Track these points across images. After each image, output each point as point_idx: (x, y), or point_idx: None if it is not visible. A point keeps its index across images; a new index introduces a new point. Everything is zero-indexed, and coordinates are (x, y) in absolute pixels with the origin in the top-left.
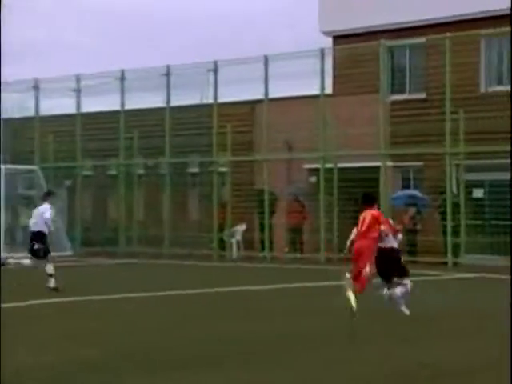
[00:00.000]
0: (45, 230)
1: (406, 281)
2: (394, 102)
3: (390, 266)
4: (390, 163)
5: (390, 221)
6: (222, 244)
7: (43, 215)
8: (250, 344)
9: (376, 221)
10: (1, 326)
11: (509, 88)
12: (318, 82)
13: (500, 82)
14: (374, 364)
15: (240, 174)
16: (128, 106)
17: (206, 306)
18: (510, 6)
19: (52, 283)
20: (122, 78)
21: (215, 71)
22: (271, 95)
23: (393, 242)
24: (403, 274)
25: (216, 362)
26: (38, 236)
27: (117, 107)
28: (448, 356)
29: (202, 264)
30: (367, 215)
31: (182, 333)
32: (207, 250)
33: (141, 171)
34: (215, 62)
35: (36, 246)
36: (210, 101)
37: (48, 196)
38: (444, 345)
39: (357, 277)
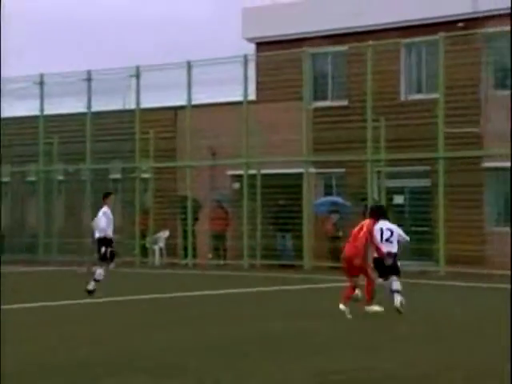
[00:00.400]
0: None
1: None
2: (316, 109)
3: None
4: (312, 170)
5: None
6: (145, 251)
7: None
8: (183, 352)
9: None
10: None
11: (428, 96)
12: (242, 88)
13: (419, 91)
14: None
15: (163, 181)
16: (48, 111)
17: (130, 314)
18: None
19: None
20: (42, 83)
21: (137, 76)
22: (194, 101)
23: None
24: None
25: (149, 372)
26: None
27: (36, 112)
28: (400, 362)
29: (125, 271)
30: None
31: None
32: (130, 257)
33: (61, 177)
34: (137, 67)
35: None
36: (133, 106)
37: None
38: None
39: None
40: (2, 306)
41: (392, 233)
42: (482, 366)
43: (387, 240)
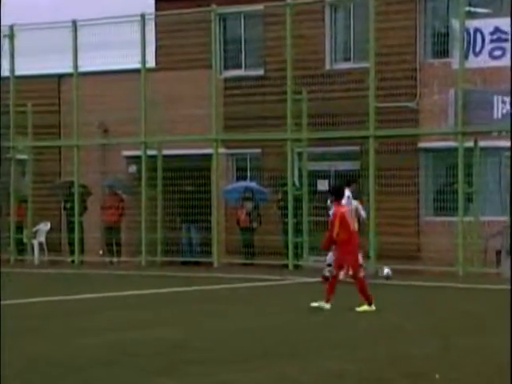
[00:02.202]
0: None
1: None
2: (227, 79)
3: None
4: (223, 150)
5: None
6: (22, 246)
7: None
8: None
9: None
10: None
11: (357, 65)
12: (139, 53)
13: (347, 58)
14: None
15: (44, 163)
16: None
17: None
18: None
19: None
20: None
21: (11, 37)
22: (82, 68)
23: None
24: None
25: None
26: None
27: None
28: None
29: None
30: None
31: None
32: (3, 254)
33: None
34: (11, 27)
35: None
36: (6, 74)
37: None
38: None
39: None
40: None
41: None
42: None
43: None
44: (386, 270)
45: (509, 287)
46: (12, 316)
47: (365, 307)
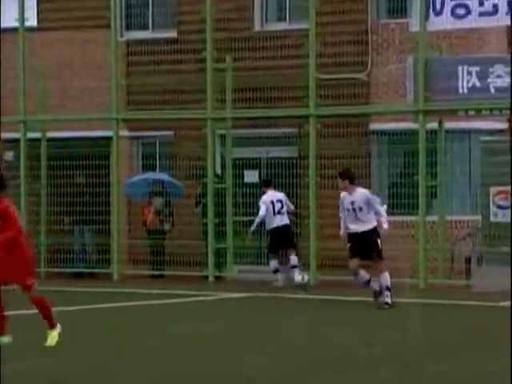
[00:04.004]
0: None
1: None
2: (130, 43)
3: None
4: (125, 133)
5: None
6: None
7: None
8: None
9: None
10: None
11: (295, 26)
12: (16, 8)
13: (281, 18)
14: None
15: None
16: None
17: None
18: None
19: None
20: None
21: None
22: None
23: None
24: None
25: None
26: None
27: None
28: None
29: None
30: None
31: None
32: None
33: None
34: None
35: None
36: None
37: None
38: None
39: None
40: None
41: (282, 203)
42: None
43: (279, 212)
44: (300, 277)
45: (482, 303)
46: None
47: (54, 334)
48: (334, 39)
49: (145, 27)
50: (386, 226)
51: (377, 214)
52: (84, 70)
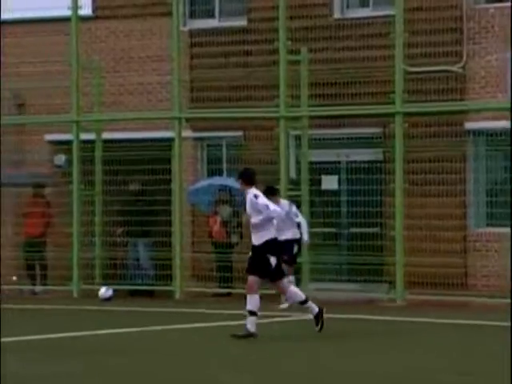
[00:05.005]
0: None
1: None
2: (194, 33)
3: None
4: (188, 133)
5: None
6: None
7: None
8: None
9: None
10: None
11: (379, 12)
12: None
13: (364, 3)
14: None
15: None
16: None
17: None
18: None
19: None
20: None
21: None
22: None
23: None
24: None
25: None
26: None
27: None
28: None
29: None
30: None
31: None
32: None
33: None
34: None
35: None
36: None
37: None
38: None
39: None
40: None
41: None
42: None
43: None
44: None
45: None
46: None
47: None
48: (423, 27)
49: (211, 15)
50: None
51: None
52: (143, 63)
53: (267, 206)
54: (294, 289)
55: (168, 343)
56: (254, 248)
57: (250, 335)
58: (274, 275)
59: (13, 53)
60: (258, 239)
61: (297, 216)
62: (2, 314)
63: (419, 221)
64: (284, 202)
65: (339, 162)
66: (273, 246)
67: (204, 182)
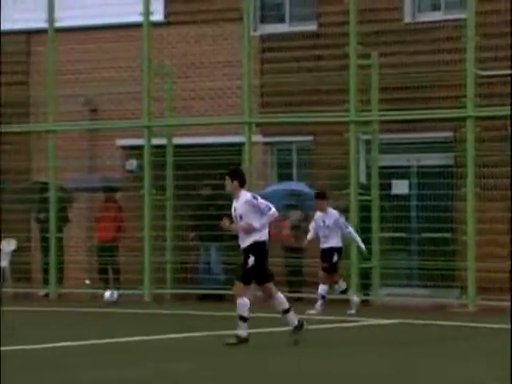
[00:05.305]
0: None
1: None
2: (265, 38)
3: None
4: (258, 138)
5: None
6: None
7: None
8: None
9: None
10: None
11: (450, 16)
12: (141, 1)
13: (435, 7)
14: None
15: (6, 156)
16: None
17: None
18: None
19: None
20: None
21: None
22: (60, 22)
23: None
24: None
25: None
26: None
27: None
28: None
29: None
30: None
31: None
32: None
33: None
34: None
35: None
36: None
37: None
38: None
39: None
40: None
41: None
42: None
43: None
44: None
45: None
46: None
47: None
48: (495, 30)
49: (281, 20)
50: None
51: None
52: (214, 68)
53: (269, 207)
54: (281, 296)
55: (236, 348)
56: (243, 251)
57: (243, 341)
58: (262, 278)
59: (85, 59)
60: (246, 242)
61: (346, 227)
62: (76, 317)
63: (490, 225)
64: (332, 211)
65: (410, 167)
66: (259, 247)
67: (274, 187)
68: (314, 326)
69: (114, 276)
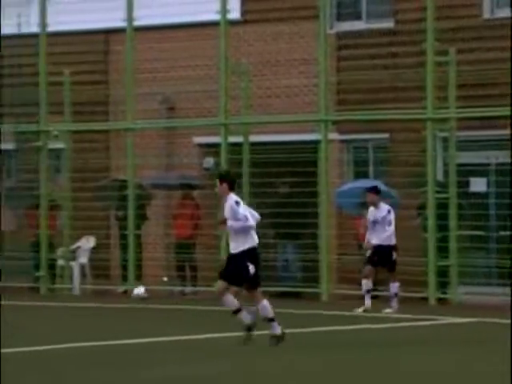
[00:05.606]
0: None
1: None
2: (341, 35)
3: None
4: (335, 136)
5: None
6: (54, 270)
7: None
8: None
9: None
10: None
11: None
12: (218, 0)
13: None
14: None
15: (86, 154)
16: None
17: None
18: None
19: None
20: None
21: None
22: (139, 21)
23: None
24: None
25: None
26: None
27: None
28: None
29: (20, 304)
30: None
31: None
32: (28, 281)
33: None
34: None
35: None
36: (35, 29)
37: None
38: None
39: None
40: None
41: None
42: None
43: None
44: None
45: None
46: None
47: None
48: None
49: (357, 17)
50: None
51: None
52: (290, 66)
53: (246, 218)
54: (267, 303)
55: (308, 345)
56: (231, 256)
57: (249, 328)
58: (253, 283)
59: (163, 58)
60: (235, 247)
61: (390, 225)
62: (152, 314)
63: None
64: (384, 206)
65: (488, 164)
66: (252, 254)
67: (351, 185)
68: (390, 325)
69: (191, 273)
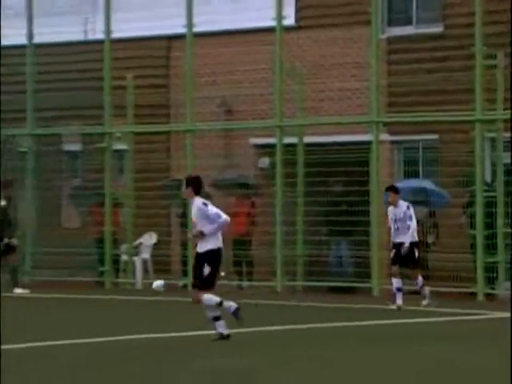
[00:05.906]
0: None
1: None
2: (392, 40)
3: None
4: (386, 137)
5: None
6: (117, 265)
7: None
8: None
9: None
10: None
11: None
12: (273, 6)
13: None
14: None
15: (148, 155)
16: None
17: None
18: None
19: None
20: None
21: None
22: (198, 27)
23: None
24: None
25: None
26: None
27: None
28: None
29: (87, 297)
30: None
31: None
32: (93, 275)
33: None
34: None
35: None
36: (99, 36)
37: None
38: None
39: None
40: None
41: None
42: None
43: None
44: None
45: None
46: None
47: None
48: None
49: (408, 22)
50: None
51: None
52: (343, 70)
53: (219, 215)
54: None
55: (358, 339)
56: (197, 255)
57: (223, 337)
58: (204, 284)
59: (220, 62)
60: (202, 247)
61: (411, 219)
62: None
63: None
64: (402, 204)
65: None
66: (214, 255)
67: (401, 184)
68: (437, 319)
69: (248, 269)
